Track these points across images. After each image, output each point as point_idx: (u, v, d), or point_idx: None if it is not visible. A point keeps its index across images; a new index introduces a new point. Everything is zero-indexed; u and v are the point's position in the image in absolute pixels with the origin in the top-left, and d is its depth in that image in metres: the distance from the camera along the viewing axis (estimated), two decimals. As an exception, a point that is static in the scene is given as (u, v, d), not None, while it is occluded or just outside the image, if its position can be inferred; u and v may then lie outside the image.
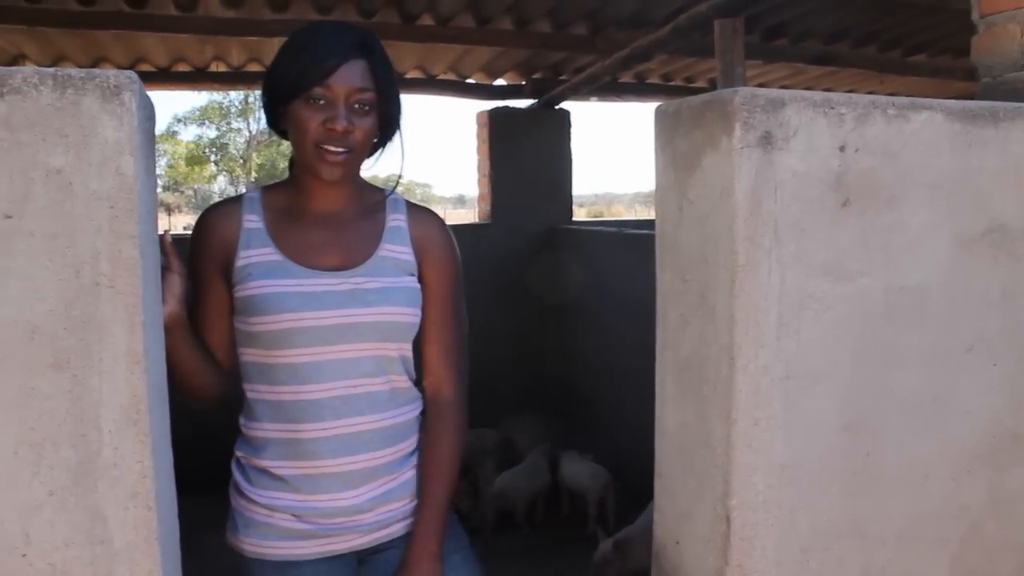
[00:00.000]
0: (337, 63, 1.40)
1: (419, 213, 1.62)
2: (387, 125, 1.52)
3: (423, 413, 1.62)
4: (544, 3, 4.17)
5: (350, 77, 1.41)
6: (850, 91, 1.26)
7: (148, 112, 1.10)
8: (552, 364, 5.42)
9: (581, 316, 5.08)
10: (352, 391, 1.49)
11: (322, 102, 1.41)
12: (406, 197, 1.65)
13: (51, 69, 0.98)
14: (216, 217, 1.52)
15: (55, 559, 1.03)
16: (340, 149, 1.43)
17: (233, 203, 1.54)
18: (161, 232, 1.28)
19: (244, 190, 1.59)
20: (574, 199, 5.75)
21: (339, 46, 1.42)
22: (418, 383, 1.62)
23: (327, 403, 1.48)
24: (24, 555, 1.02)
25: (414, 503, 1.58)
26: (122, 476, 1.04)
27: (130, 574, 1.05)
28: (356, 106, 1.43)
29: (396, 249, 1.55)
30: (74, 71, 0.98)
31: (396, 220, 1.57)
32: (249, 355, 1.50)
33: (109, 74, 0.99)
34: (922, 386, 1.33)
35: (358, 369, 1.49)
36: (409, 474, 1.57)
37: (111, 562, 1.04)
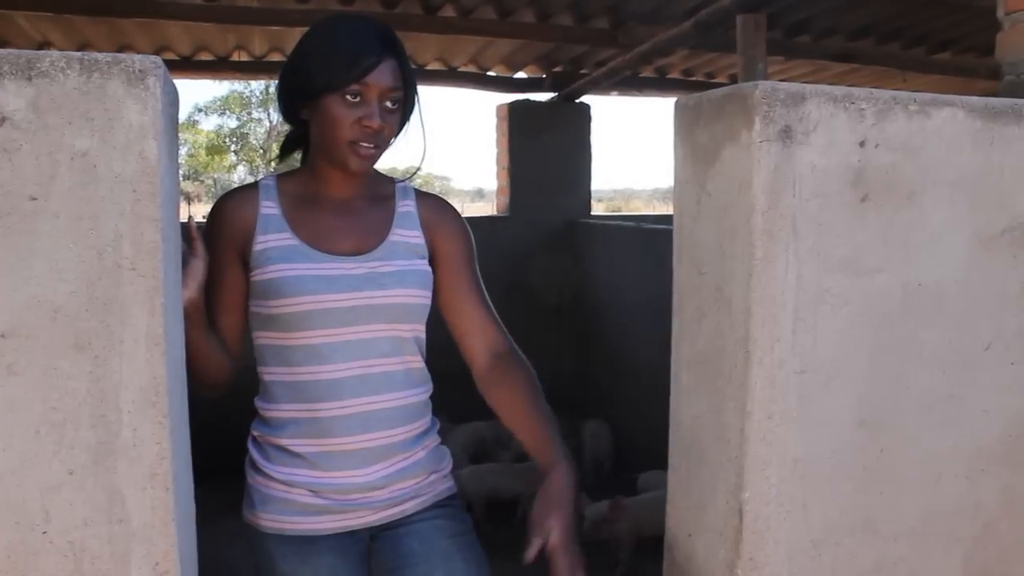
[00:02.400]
0: (374, 62, 1.44)
1: (427, 198, 1.68)
2: (406, 118, 1.58)
3: (431, 398, 1.65)
4: (566, -4, 4.16)
5: (385, 76, 1.46)
6: (873, 88, 1.26)
7: (172, 97, 1.12)
8: (568, 357, 5.42)
9: (598, 310, 5.08)
10: (369, 370, 1.53)
11: (357, 99, 1.45)
12: (425, 189, 1.69)
13: (78, 53, 0.99)
14: (233, 203, 1.55)
15: (74, 537, 1.04)
16: (371, 145, 1.48)
17: (249, 190, 1.57)
18: (184, 219, 1.30)
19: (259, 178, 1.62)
20: (592, 194, 5.73)
21: (372, 44, 1.45)
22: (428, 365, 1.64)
23: (345, 382, 1.51)
24: (44, 532, 1.04)
25: (427, 480, 1.62)
26: (140, 457, 1.05)
27: (147, 554, 1.07)
28: (388, 104, 1.48)
29: (407, 233, 1.60)
30: (100, 55, 0.99)
31: (406, 206, 1.63)
32: (266, 338, 1.53)
33: (135, 59, 1.00)
34: (938, 383, 1.33)
35: (375, 349, 1.53)
36: (421, 453, 1.61)
37: (129, 541, 1.06)
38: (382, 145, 1.50)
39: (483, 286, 1.67)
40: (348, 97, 1.44)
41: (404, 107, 1.53)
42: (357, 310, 1.50)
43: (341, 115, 1.45)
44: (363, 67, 1.43)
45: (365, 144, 1.47)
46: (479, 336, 1.63)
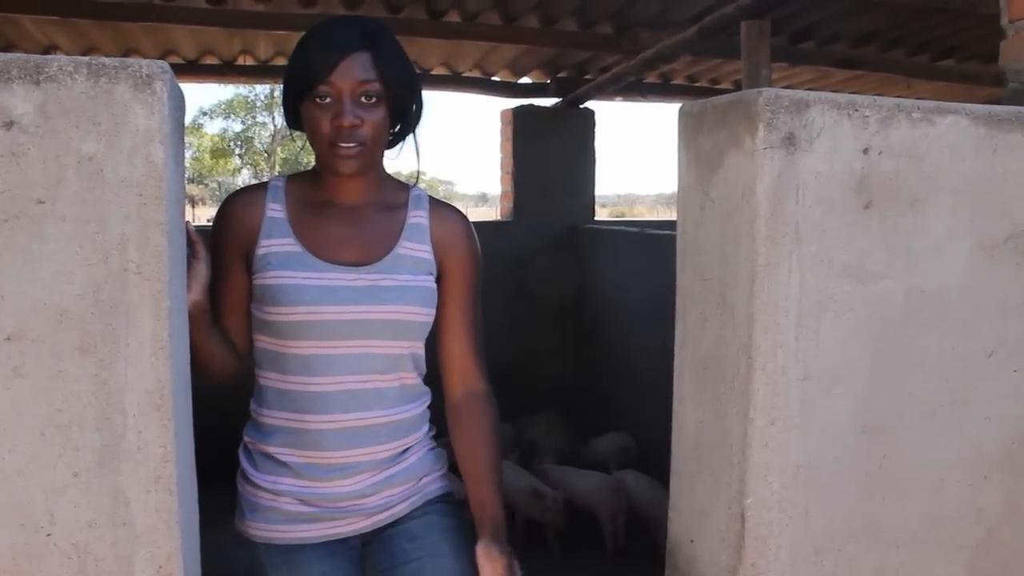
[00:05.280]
0: (337, 59, 1.41)
1: (442, 210, 1.62)
2: (402, 115, 1.53)
3: (429, 407, 1.64)
4: (570, 2, 4.17)
5: (351, 71, 1.42)
6: (877, 96, 1.27)
7: (178, 102, 1.12)
8: (571, 362, 5.43)
9: (600, 314, 5.08)
10: (362, 386, 1.50)
11: (328, 100, 1.42)
12: (428, 194, 1.66)
13: (86, 58, 1.00)
14: (240, 204, 1.53)
15: (78, 539, 1.05)
16: (351, 144, 1.43)
17: (258, 190, 1.55)
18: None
19: (269, 178, 1.60)
20: (596, 199, 5.74)
21: (340, 42, 1.42)
22: (427, 379, 1.63)
23: (335, 396, 1.49)
24: (49, 534, 1.04)
25: (418, 484, 1.60)
26: (145, 460, 1.06)
27: (151, 556, 1.07)
28: (363, 99, 1.43)
29: (415, 247, 1.55)
30: (108, 60, 1.00)
31: (417, 217, 1.58)
32: (263, 342, 1.52)
33: (142, 63, 1.01)
34: (941, 390, 1.33)
35: (368, 365, 1.50)
36: (412, 459, 1.59)
37: (133, 544, 1.06)
38: (366, 143, 1.45)
39: (478, 316, 1.62)
40: (318, 99, 1.42)
41: (391, 102, 1.47)
42: (354, 324, 1.47)
43: (316, 118, 1.43)
44: (326, 65, 1.41)
45: (343, 144, 1.43)
46: (457, 374, 1.61)
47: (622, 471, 3.99)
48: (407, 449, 1.58)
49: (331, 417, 1.49)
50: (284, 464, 1.51)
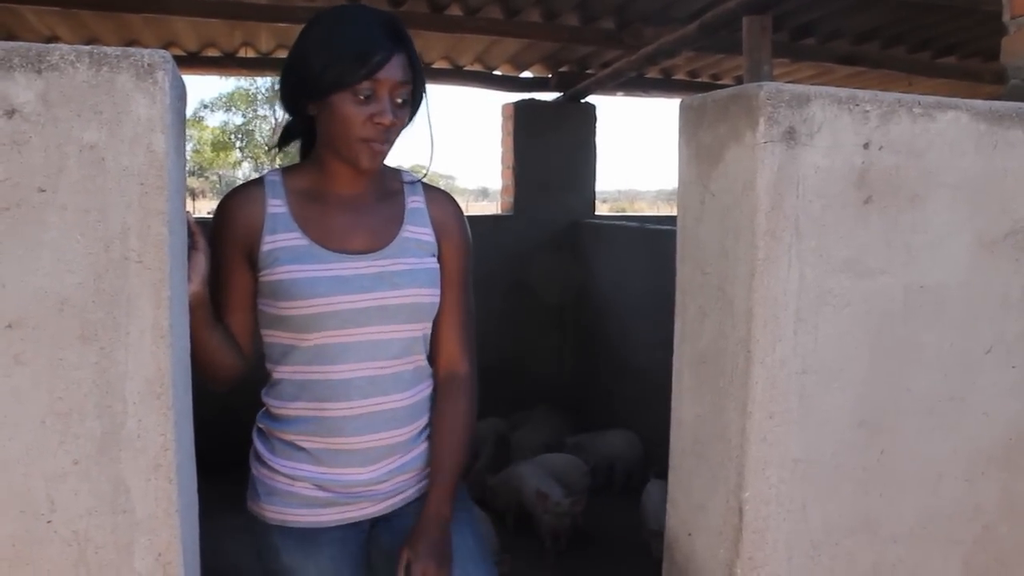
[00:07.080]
0: (385, 58, 1.42)
1: (435, 194, 1.66)
2: (414, 111, 1.55)
3: (434, 389, 1.66)
4: (573, -4, 4.16)
5: (395, 71, 1.44)
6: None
7: (180, 92, 1.12)
8: (570, 358, 5.43)
9: (600, 309, 5.08)
10: (380, 372, 1.53)
11: (368, 96, 1.43)
12: (419, 179, 1.67)
13: (87, 47, 1.00)
14: (239, 202, 1.52)
15: (79, 527, 1.05)
16: (384, 141, 1.46)
17: (255, 187, 1.54)
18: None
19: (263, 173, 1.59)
20: (597, 194, 5.74)
21: (382, 39, 1.43)
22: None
23: (355, 383, 1.51)
24: (49, 521, 1.04)
25: (427, 470, 1.62)
26: (145, 448, 1.06)
27: (150, 544, 1.07)
28: (399, 99, 1.46)
29: (418, 230, 1.58)
30: (109, 49, 1.00)
31: (415, 202, 1.61)
32: (276, 337, 1.53)
33: (144, 53, 1.01)
34: (939, 386, 1.33)
35: (387, 351, 1.53)
36: (423, 447, 1.62)
37: (132, 531, 1.07)
38: (393, 140, 1.48)
39: (470, 300, 1.66)
40: (362, 95, 1.42)
41: (413, 100, 1.51)
42: (370, 311, 1.49)
43: (352, 113, 1.43)
44: (374, 64, 1.41)
45: (377, 143, 1.45)
46: (442, 352, 1.65)
47: (651, 483, 3.90)
48: (418, 434, 1.61)
49: (351, 404, 1.52)
50: (303, 450, 1.54)
